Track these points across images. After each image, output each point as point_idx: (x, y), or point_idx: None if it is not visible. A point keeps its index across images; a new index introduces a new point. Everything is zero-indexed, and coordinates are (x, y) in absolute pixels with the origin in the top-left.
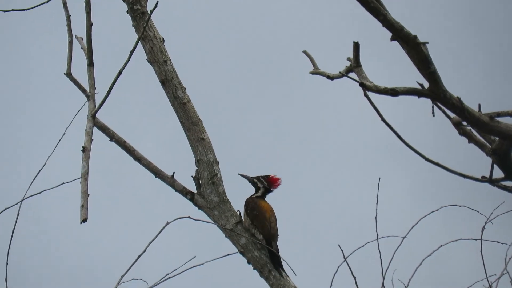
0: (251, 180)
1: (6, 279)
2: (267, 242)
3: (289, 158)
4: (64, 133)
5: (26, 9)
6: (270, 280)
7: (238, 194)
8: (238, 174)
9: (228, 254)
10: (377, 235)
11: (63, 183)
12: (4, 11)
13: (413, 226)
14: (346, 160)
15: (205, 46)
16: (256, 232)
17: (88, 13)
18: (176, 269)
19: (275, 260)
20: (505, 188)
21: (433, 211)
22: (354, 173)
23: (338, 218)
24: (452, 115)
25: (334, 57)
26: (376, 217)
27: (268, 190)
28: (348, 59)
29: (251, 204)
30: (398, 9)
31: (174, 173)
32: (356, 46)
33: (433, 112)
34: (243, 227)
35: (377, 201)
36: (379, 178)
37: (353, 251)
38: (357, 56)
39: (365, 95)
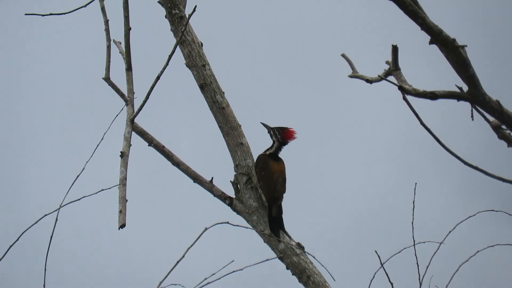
0: (269, 131)
1: (44, 285)
2: (269, 205)
3: (327, 161)
4: (102, 138)
5: (64, 13)
6: (309, 285)
7: (260, 145)
8: (261, 123)
9: (267, 259)
10: (414, 241)
11: (102, 189)
12: (43, 15)
13: (450, 232)
14: (384, 164)
15: (243, 50)
16: (261, 192)
17: (127, 17)
18: (214, 274)
19: (273, 224)
20: None
21: (470, 216)
22: (392, 177)
23: (374, 222)
24: (491, 118)
25: (372, 60)
26: (412, 222)
27: (282, 144)
28: (387, 62)
29: (261, 163)
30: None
31: (212, 178)
32: (395, 49)
33: (472, 116)
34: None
35: (414, 206)
36: (415, 184)
37: (390, 257)
38: (395, 60)
39: (404, 98)
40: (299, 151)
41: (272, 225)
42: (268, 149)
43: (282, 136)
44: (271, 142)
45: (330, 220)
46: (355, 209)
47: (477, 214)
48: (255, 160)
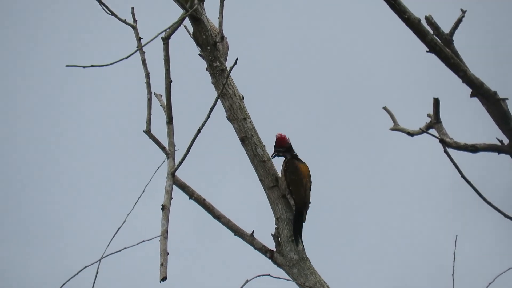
0: (276, 154)
1: None
2: (298, 210)
3: (367, 213)
4: (144, 191)
5: (105, 65)
6: None
7: (279, 159)
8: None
9: None
10: None
11: (143, 241)
12: (84, 67)
13: (489, 284)
14: (425, 216)
15: (284, 103)
16: (290, 197)
17: (167, 70)
18: None
19: (298, 228)
20: None
21: (510, 268)
22: (432, 229)
23: (415, 274)
24: None
25: (414, 113)
26: (453, 274)
27: (288, 150)
28: (428, 115)
29: (291, 167)
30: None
31: (253, 231)
32: (436, 102)
33: None
34: (279, 190)
35: (454, 258)
36: (456, 235)
37: None
38: (437, 112)
39: (445, 151)
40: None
41: (296, 229)
42: (288, 156)
43: (278, 146)
44: (283, 158)
45: (370, 271)
46: (396, 261)
47: None
48: (282, 166)
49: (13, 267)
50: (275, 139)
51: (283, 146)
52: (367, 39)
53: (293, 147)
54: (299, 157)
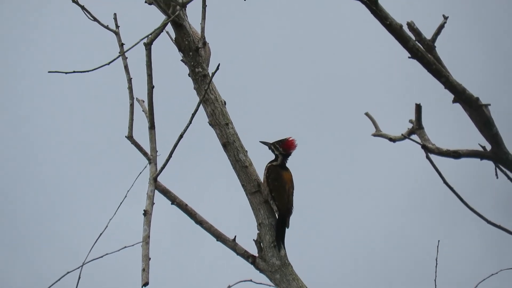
0: (270, 147)
1: None
2: (281, 215)
3: (347, 218)
4: (126, 196)
5: (87, 71)
6: None
7: (263, 161)
8: (260, 141)
9: None
10: None
11: (125, 246)
12: (66, 73)
13: None
14: (407, 222)
15: (266, 108)
16: (272, 203)
17: (150, 75)
18: None
19: (280, 234)
20: None
21: (492, 274)
22: (415, 235)
23: (396, 279)
24: None
25: (396, 119)
26: (435, 280)
27: (286, 156)
28: (410, 121)
29: (273, 174)
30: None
31: (235, 236)
32: (418, 108)
33: (496, 174)
34: (261, 195)
35: (437, 264)
36: (438, 241)
37: None
38: (419, 118)
39: (427, 157)
40: (323, 207)
41: (279, 235)
42: (273, 161)
43: (283, 148)
44: (274, 156)
45: (352, 277)
46: (379, 267)
47: (499, 272)
48: (264, 171)
49: None
50: (285, 141)
51: (286, 150)
52: (349, 45)
53: (287, 157)
54: (286, 165)
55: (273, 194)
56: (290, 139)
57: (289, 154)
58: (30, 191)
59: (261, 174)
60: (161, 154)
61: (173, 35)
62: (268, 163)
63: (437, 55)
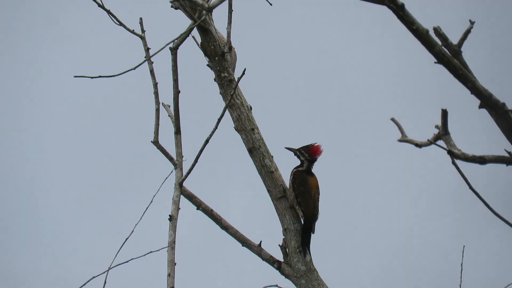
0: (295, 153)
1: None
2: (306, 221)
3: (375, 224)
4: (151, 201)
5: (113, 76)
6: None
7: (289, 166)
8: (285, 147)
9: None
10: None
11: (151, 251)
12: (92, 78)
13: None
14: (433, 227)
15: (292, 114)
16: (298, 209)
17: (176, 80)
18: None
19: (306, 239)
20: None
21: None
22: (441, 240)
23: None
24: None
25: (422, 124)
26: (460, 285)
27: (312, 161)
28: (436, 126)
29: (299, 179)
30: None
31: (261, 242)
32: (444, 113)
33: None
34: (286, 201)
35: (462, 269)
36: (464, 246)
37: None
38: (445, 124)
39: (453, 163)
40: (349, 212)
41: (304, 240)
42: (298, 167)
43: (309, 153)
44: (299, 162)
45: (377, 282)
46: (404, 272)
47: None
48: (290, 176)
49: (21, 276)
50: (311, 146)
51: (312, 156)
52: (376, 51)
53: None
54: (312, 171)
55: (298, 200)
56: (316, 145)
57: (314, 160)
58: (56, 196)
59: (286, 179)
60: (187, 159)
61: (199, 40)
62: (294, 169)
63: (463, 60)
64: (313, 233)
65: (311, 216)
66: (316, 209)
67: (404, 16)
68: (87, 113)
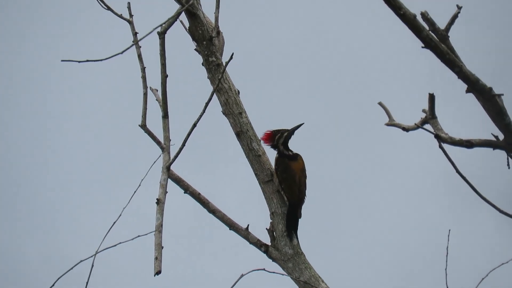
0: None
1: None
2: (291, 206)
3: (360, 206)
4: (139, 185)
5: (101, 60)
6: None
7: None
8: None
9: None
10: (447, 287)
11: (138, 235)
12: (79, 62)
13: (482, 279)
14: (418, 210)
15: (280, 97)
16: (283, 194)
17: (163, 64)
18: None
19: (292, 224)
20: None
21: (503, 263)
22: (426, 223)
23: (407, 268)
24: None
25: (409, 108)
26: (446, 269)
27: (274, 147)
28: (424, 110)
29: (282, 166)
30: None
31: (248, 225)
32: (432, 97)
33: (508, 164)
34: (274, 184)
35: (447, 253)
36: (449, 230)
37: None
38: (432, 108)
39: (440, 146)
40: (336, 196)
41: (289, 224)
42: (278, 154)
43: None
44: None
45: (364, 265)
46: (389, 255)
47: (510, 261)
48: (274, 163)
49: (7, 260)
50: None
51: (267, 144)
52: (363, 35)
53: (285, 145)
54: (291, 153)
55: (282, 186)
56: (267, 132)
57: (274, 146)
58: (45, 180)
59: (273, 163)
60: (175, 143)
61: (187, 24)
62: (276, 155)
63: (451, 45)
64: (300, 217)
65: (296, 201)
66: (301, 194)
67: (392, 0)
68: (75, 98)
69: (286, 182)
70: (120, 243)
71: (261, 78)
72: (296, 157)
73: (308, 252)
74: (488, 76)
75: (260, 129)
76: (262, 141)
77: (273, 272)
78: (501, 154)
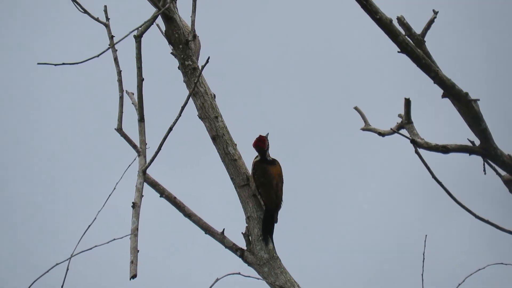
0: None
1: None
2: (267, 211)
3: (336, 212)
4: (114, 189)
5: (77, 63)
6: None
7: (253, 154)
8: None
9: None
10: None
11: (114, 239)
12: (55, 65)
13: (459, 284)
14: (394, 216)
15: (255, 102)
16: (260, 198)
17: (139, 68)
18: None
19: (268, 228)
20: None
21: (479, 269)
22: (402, 229)
23: (383, 273)
24: (503, 172)
25: (385, 113)
26: (422, 274)
27: (260, 152)
28: (400, 115)
29: (259, 170)
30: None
31: (224, 229)
32: (408, 102)
33: (484, 170)
34: (250, 189)
35: (424, 259)
36: (426, 236)
37: None
38: (408, 113)
39: (416, 152)
40: (312, 201)
41: (265, 229)
42: (256, 157)
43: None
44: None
45: (340, 270)
46: (365, 260)
47: (487, 267)
48: (251, 167)
49: None
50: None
51: (257, 149)
52: (339, 39)
53: (268, 151)
54: (270, 159)
55: (259, 190)
56: (258, 137)
57: (262, 151)
58: (19, 182)
59: (250, 168)
60: (151, 147)
61: (164, 28)
62: (254, 159)
63: (427, 50)
64: (276, 222)
65: (273, 206)
66: (278, 199)
67: (368, 5)
68: (50, 101)
69: (263, 187)
70: (95, 246)
71: (237, 82)
72: (274, 162)
73: (283, 257)
74: (464, 81)
75: (236, 133)
76: (257, 146)
77: (249, 276)
78: (477, 159)
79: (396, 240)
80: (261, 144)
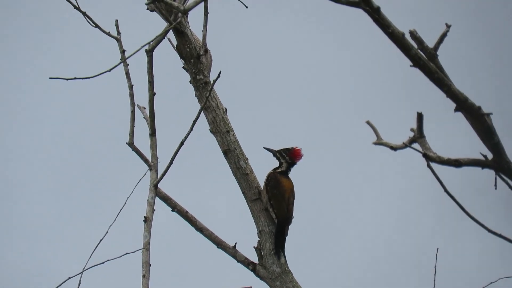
0: (275, 154)
1: None
2: (279, 224)
3: (349, 226)
4: (126, 203)
5: (89, 78)
6: None
7: (264, 168)
8: (263, 147)
9: None
10: None
11: (126, 253)
12: (67, 79)
13: None
14: (407, 230)
15: (267, 116)
16: (271, 211)
17: (151, 82)
18: None
19: (279, 243)
20: None
21: (491, 283)
22: (415, 242)
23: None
24: None
25: (397, 127)
26: (434, 287)
27: (291, 164)
28: (412, 129)
29: (272, 181)
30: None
31: (236, 243)
32: (420, 116)
33: (495, 185)
34: (261, 203)
35: (435, 272)
36: (437, 249)
37: None
38: (420, 127)
39: (429, 166)
40: (324, 215)
41: (277, 243)
42: (276, 168)
43: (290, 156)
44: (278, 163)
45: (352, 284)
46: (378, 274)
47: (499, 281)
48: (264, 179)
49: None
50: (292, 149)
51: (293, 159)
52: (352, 53)
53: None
54: (288, 174)
55: (271, 202)
56: (297, 148)
57: (294, 163)
58: (31, 196)
59: (262, 181)
60: (162, 161)
61: (175, 42)
62: (271, 171)
63: (439, 64)
64: (286, 236)
65: (284, 218)
66: (289, 213)
67: (380, 19)
68: (62, 114)
69: (275, 198)
70: (108, 260)
71: (249, 96)
72: (289, 178)
73: (296, 271)
74: (477, 95)
75: (248, 147)
76: (296, 158)
77: None
78: (490, 173)
79: (408, 253)
80: (301, 156)
